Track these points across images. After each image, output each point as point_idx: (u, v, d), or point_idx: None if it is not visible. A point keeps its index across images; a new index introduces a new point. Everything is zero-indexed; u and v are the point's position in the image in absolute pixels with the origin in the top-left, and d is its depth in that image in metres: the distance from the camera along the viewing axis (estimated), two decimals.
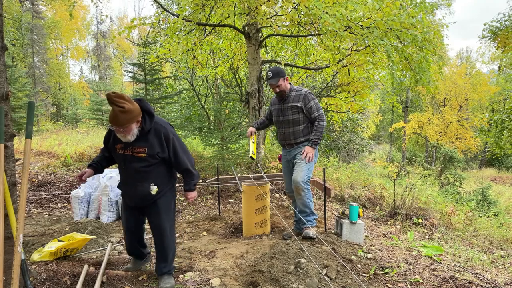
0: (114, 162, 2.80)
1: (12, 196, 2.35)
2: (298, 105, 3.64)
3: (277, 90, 3.65)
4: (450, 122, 22.85)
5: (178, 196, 6.33)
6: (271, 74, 3.62)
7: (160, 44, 9.23)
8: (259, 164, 7.27)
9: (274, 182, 5.99)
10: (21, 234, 2.18)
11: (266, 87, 10.73)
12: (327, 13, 5.61)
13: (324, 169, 4.58)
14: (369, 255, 3.42)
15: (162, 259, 2.76)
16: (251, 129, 3.91)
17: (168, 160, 2.63)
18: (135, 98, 2.52)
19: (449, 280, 2.90)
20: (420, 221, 5.38)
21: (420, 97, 26.49)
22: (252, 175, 5.40)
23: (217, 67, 9.91)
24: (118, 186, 2.80)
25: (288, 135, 3.76)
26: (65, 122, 22.22)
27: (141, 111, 2.47)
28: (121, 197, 2.87)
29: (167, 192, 2.72)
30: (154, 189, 2.59)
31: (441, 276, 3.00)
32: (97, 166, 2.75)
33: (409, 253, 3.69)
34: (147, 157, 2.54)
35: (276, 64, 10.48)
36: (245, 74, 11.37)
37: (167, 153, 2.60)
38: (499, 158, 21.91)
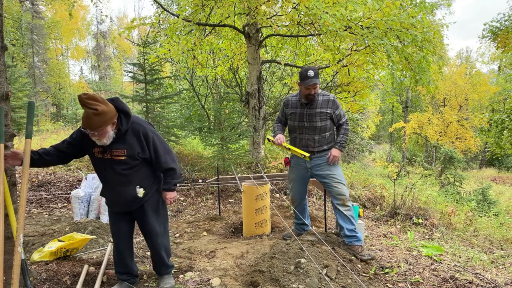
0: (67, 159, 2.51)
1: (12, 196, 2.35)
2: (328, 111, 3.34)
3: (313, 92, 3.26)
4: (450, 122, 22.86)
5: (178, 196, 6.33)
6: (312, 72, 3.18)
7: (160, 44, 9.23)
8: (259, 164, 7.27)
9: (274, 182, 5.99)
10: (21, 234, 2.18)
11: (266, 87, 10.73)
12: (327, 13, 5.61)
13: None
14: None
15: (158, 261, 2.71)
16: (281, 136, 3.42)
17: (150, 160, 2.50)
18: (108, 98, 2.37)
19: (449, 280, 2.90)
20: (420, 221, 5.38)
21: (420, 97, 26.49)
22: (252, 175, 5.40)
23: (217, 67, 9.92)
24: (102, 194, 2.64)
25: (311, 142, 3.41)
26: (65, 122, 22.21)
27: (116, 112, 2.32)
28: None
29: (154, 194, 2.60)
30: (140, 191, 2.47)
31: (441, 276, 3.00)
32: (35, 157, 2.34)
33: (409, 253, 3.69)
34: (128, 159, 2.40)
35: (277, 64, 10.47)
36: (245, 74, 11.37)
37: (147, 152, 2.45)
38: (499, 158, 21.90)
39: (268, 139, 3.53)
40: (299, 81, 3.34)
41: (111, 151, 2.38)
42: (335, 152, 3.40)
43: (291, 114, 3.47)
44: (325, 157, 3.43)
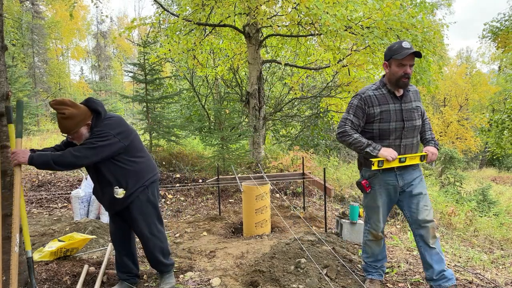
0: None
1: (12, 196, 2.35)
2: (419, 104, 2.59)
3: (409, 70, 2.42)
4: (451, 122, 22.87)
5: (178, 196, 6.34)
6: (408, 44, 2.42)
7: (160, 44, 9.23)
8: (259, 164, 7.27)
9: (274, 182, 5.99)
10: (17, 234, 2.18)
11: (266, 87, 10.71)
12: (327, 13, 5.62)
13: (324, 169, 4.58)
14: None
15: (153, 261, 2.69)
16: (392, 150, 2.43)
17: (124, 155, 2.42)
18: (83, 100, 2.40)
19: None
20: None
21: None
22: (252, 175, 5.40)
23: (217, 67, 9.92)
24: (93, 191, 2.65)
25: (411, 148, 2.55)
26: None
27: (91, 113, 2.35)
28: None
29: (139, 195, 2.50)
30: (119, 192, 2.41)
31: None
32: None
33: (410, 253, 3.68)
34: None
35: (277, 64, 10.46)
36: (245, 74, 11.37)
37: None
38: (500, 158, 21.88)
39: (372, 162, 2.39)
40: (386, 61, 2.50)
41: None
42: (433, 149, 2.56)
43: (383, 113, 2.47)
44: (419, 168, 2.64)
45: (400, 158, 2.44)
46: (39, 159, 2.22)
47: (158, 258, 2.66)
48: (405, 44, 2.40)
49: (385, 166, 2.41)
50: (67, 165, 2.28)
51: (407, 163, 2.49)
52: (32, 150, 2.35)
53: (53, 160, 2.22)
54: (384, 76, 2.57)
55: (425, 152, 2.54)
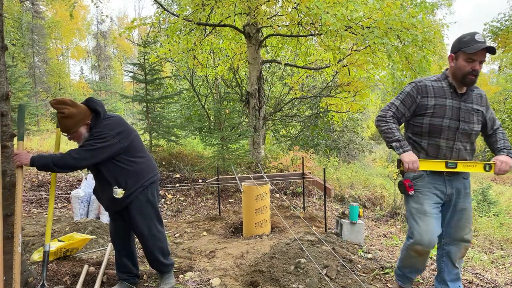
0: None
1: (12, 196, 2.35)
2: (481, 109, 2.27)
3: (478, 68, 2.14)
4: None
5: (178, 196, 6.33)
6: (481, 37, 2.12)
7: (160, 44, 9.23)
8: (259, 164, 7.27)
9: (274, 182, 5.99)
10: (19, 233, 2.18)
11: (266, 87, 10.70)
12: (327, 12, 5.62)
13: (324, 169, 4.58)
14: (369, 255, 3.42)
15: (153, 261, 2.68)
16: (415, 158, 2.17)
17: (123, 156, 2.42)
18: (84, 100, 2.41)
19: None
20: None
21: None
22: (252, 175, 5.40)
23: (217, 67, 9.92)
24: (94, 191, 2.65)
25: (464, 153, 2.26)
26: None
27: (90, 113, 2.35)
28: None
29: (138, 195, 2.49)
30: (118, 192, 2.40)
31: None
32: None
33: None
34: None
35: (277, 64, 10.47)
36: (245, 74, 11.37)
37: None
38: None
39: (402, 167, 2.21)
40: (453, 53, 2.21)
41: None
42: (505, 158, 2.19)
43: (437, 106, 2.21)
44: (468, 179, 2.35)
45: (447, 163, 2.18)
46: (40, 161, 2.24)
47: (158, 258, 2.65)
48: (478, 37, 2.10)
49: (408, 170, 2.16)
50: (67, 167, 2.29)
51: (459, 169, 2.20)
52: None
53: (53, 162, 2.23)
54: (447, 69, 2.30)
55: (493, 162, 2.19)
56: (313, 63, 9.62)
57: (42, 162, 2.24)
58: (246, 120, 9.91)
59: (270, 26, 7.21)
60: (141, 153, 2.56)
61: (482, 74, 26.63)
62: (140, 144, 2.60)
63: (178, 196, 6.33)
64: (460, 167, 2.20)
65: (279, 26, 7.16)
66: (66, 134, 2.34)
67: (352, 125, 13.74)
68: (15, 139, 2.37)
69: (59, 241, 3.12)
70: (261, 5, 6.42)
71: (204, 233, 4.38)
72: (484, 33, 14.48)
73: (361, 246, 3.74)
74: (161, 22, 8.12)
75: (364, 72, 8.41)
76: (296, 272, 2.73)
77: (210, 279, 2.88)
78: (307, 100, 11.83)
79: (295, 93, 10.77)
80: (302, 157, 5.90)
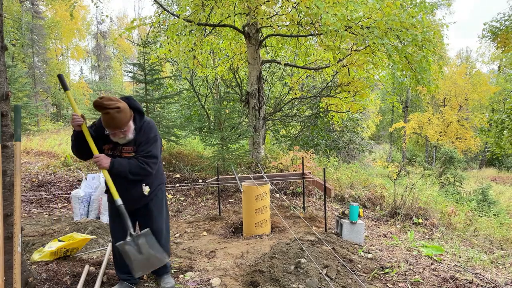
0: (89, 155, 2.45)
1: (11, 196, 2.35)
2: None
3: None
4: (450, 122, 22.84)
5: (178, 196, 6.33)
6: None
7: (160, 44, 9.22)
8: (259, 164, 7.27)
9: (274, 182, 5.99)
10: (19, 233, 2.18)
11: (266, 87, 10.70)
12: (327, 12, 5.62)
13: (324, 169, 4.58)
14: (369, 255, 3.42)
15: None
16: None
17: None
18: (122, 97, 2.44)
19: (449, 280, 2.90)
20: (420, 221, 5.38)
21: (420, 97, 26.49)
22: (252, 175, 5.40)
23: (217, 67, 9.92)
24: (107, 191, 2.60)
25: None
26: (65, 122, 22.22)
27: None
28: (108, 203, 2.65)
29: (157, 193, 2.64)
30: (146, 189, 2.50)
31: (441, 276, 2.99)
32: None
33: (410, 253, 3.68)
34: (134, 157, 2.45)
35: (277, 64, 10.45)
36: (245, 74, 11.37)
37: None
38: (500, 158, 21.89)
39: None
40: None
41: (122, 148, 2.43)
42: None
43: None
44: None
45: None
46: (118, 168, 2.35)
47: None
48: None
49: None
50: (144, 175, 2.43)
51: None
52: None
53: (130, 171, 2.36)
54: None
55: None
56: (313, 63, 9.62)
57: (120, 170, 2.35)
58: (246, 120, 9.90)
59: (270, 26, 7.21)
60: (160, 155, 2.67)
61: (482, 74, 26.64)
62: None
63: (178, 196, 6.33)
64: None
65: (278, 26, 7.16)
66: (119, 130, 2.29)
67: (352, 125, 13.74)
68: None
69: (59, 241, 3.12)
70: (260, 5, 6.42)
71: (204, 233, 4.38)
72: (484, 33, 14.47)
73: (361, 246, 3.74)
74: (161, 23, 8.11)
75: (364, 72, 8.41)
76: (296, 272, 2.73)
77: (210, 279, 2.88)
78: (307, 100, 11.83)
79: (295, 93, 10.76)
80: (302, 157, 5.90)
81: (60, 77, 2.45)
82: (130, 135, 2.38)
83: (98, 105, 2.19)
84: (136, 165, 2.37)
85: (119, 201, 2.37)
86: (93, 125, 2.52)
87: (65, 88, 2.42)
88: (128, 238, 2.34)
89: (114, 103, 2.22)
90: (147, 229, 2.43)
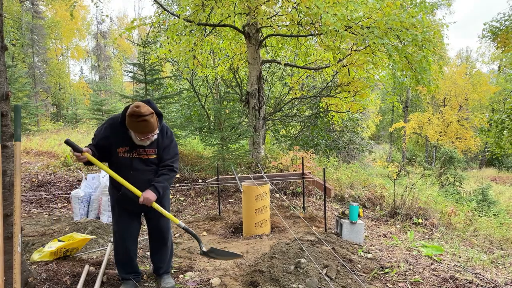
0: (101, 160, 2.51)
1: (11, 196, 2.35)
2: None
3: None
4: (450, 122, 22.84)
5: (178, 196, 6.33)
6: None
7: (160, 44, 9.22)
8: (259, 164, 7.27)
9: (274, 182, 5.99)
10: (19, 233, 2.18)
11: (266, 87, 10.70)
12: (327, 12, 5.62)
13: (324, 169, 4.58)
14: (369, 255, 3.42)
15: (162, 259, 2.74)
16: None
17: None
18: (142, 100, 2.45)
19: (449, 280, 2.90)
20: (420, 221, 5.38)
21: (420, 97, 26.50)
22: (252, 175, 5.40)
23: (217, 67, 9.91)
24: (114, 191, 2.57)
25: None
26: (65, 122, 22.23)
27: None
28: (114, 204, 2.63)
29: (166, 191, 2.67)
30: None
31: (441, 276, 2.99)
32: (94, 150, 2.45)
33: (409, 253, 3.68)
34: (156, 158, 2.52)
35: (277, 64, 10.43)
36: (245, 74, 11.37)
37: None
38: (499, 158, 21.90)
39: None
40: None
41: (140, 150, 2.46)
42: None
43: None
44: None
45: None
46: (164, 190, 2.52)
47: (167, 257, 2.77)
48: None
49: None
50: (174, 176, 2.65)
51: None
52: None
53: (169, 184, 2.57)
54: None
55: None
56: (313, 63, 9.61)
57: (165, 190, 2.54)
58: (246, 120, 9.90)
59: (270, 26, 7.21)
60: None
61: (482, 74, 26.64)
62: None
63: (178, 196, 6.33)
64: None
65: (279, 26, 7.15)
66: (152, 134, 2.37)
67: (352, 125, 13.75)
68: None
69: (59, 241, 3.12)
70: (261, 5, 6.42)
71: (204, 233, 4.38)
72: (484, 33, 14.47)
73: (361, 246, 3.74)
74: (161, 23, 8.11)
75: (364, 72, 8.41)
76: (296, 272, 2.73)
77: (210, 279, 2.88)
78: (307, 100, 11.83)
79: (295, 93, 10.76)
80: (302, 157, 5.90)
81: (67, 142, 2.41)
82: (155, 136, 2.46)
83: (137, 115, 2.23)
84: (169, 176, 2.54)
85: (182, 224, 2.55)
86: (95, 137, 2.50)
87: (76, 150, 2.37)
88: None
89: (148, 110, 2.28)
90: (210, 247, 2.72)
